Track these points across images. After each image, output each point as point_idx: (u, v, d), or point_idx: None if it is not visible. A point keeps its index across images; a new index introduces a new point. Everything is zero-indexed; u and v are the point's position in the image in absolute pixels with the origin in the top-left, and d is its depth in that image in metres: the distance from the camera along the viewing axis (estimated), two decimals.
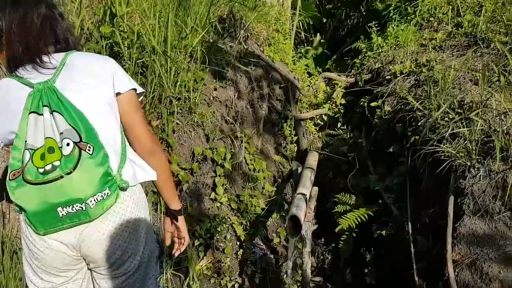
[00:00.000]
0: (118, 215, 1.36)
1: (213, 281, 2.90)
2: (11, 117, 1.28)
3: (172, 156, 2.79)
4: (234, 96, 3.61)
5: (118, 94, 1.40)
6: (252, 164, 3.58)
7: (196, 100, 3.05)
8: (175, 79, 2.99)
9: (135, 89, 1.46)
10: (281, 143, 4.30)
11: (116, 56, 2.81)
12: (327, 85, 4.70)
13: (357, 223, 3.07)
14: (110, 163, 1.32)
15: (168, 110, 2.92)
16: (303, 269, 2.75)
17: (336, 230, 3.10)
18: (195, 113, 3.02)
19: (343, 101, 4.37)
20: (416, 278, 2.39)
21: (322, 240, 3.53)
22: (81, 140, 1.27)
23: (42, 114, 1.26)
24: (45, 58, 1.32)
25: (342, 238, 3.27)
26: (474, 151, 2.35)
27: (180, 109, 3.00)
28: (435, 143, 2.52)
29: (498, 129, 2.31)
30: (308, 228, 2.74)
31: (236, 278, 2.98)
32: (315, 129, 4.57)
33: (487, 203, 2.23)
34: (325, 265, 3.30)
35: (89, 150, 1.27)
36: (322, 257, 3.40)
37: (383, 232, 2.88)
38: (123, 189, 1.36)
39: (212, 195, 3.13)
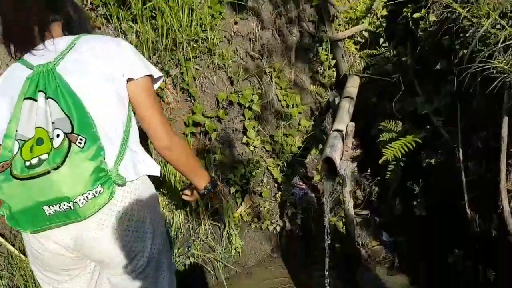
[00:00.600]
0: (116, 214, 1.22)
1: (253, 226, 2.88)
2: (10, 103, 1.19)
3: (196, 106, 2.66)
4: (258, 27, 3.30)
5: (130, 79, 1.26)
6: (285, 100, 3.36)
7: (215, 40, 2.81)
8: (189, 19, 2.74)
9: (151, 76, 1.31)
10: (318, 70, 3.96)
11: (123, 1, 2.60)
12: None
13: (403, 152, 2.81)
14: (106, 157, 1.19)
15: (185, 56, 2.73)
16: (346, 209, 2.61)
17: (380, 161, 2.88)
18: (215, 54, 2.80)
19: (385, 12, 3.85)
20: (468, 210, 2.16)
21: (369, 171, 3.34)
22: (72, 131, 1.14)
23: (36, 100, 1.16)
24: (48, 41, 1.23)
25: (389, 169, 3.04)
26: None
27: (199, 52, 2.80)
28: (485, 58, 2.12)
29: None
30: (346, 167, 2.54)
31: (277, 221, 2.94)
32: (356, 48, 4.13)
33: None
34: (372, 197, 3.13)
35: (79, 143, 1.14)
36: (368, 189, 3.23)
37: (433, 161, 2.61)
38: (120, 185, 1.21)
39: (244, 140, 3.01)
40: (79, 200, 1.13)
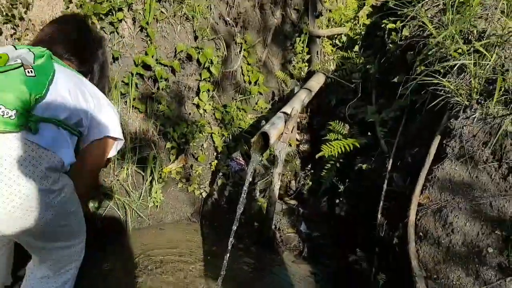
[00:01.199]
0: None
1: (180, 185, 2.84)
2: None
3: (150, 48, 2.58)
4: None
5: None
6: (248, 76, 3.33)
7: None
8: None
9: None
10: (291, 60, 3.97)
11: None
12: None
13: (340, 152, 2.85)
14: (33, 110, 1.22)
15: None
16: (271, 189, 2.62)
17: (316, 156, 2.91)
18: (186, 4, 2.73)
19: (367, 22, 3.90)
20: (379, 215, 2.21)
21: (309, 167, 3.37)
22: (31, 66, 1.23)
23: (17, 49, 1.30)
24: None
25: (325, 167, 3.08)
26: (476, 90, 2.00)
27: None
28: (440, 77, 2.18)
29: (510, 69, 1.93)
30: (282, 149, 2.55)
31: (205, 187, 2.91)
32: (332, 49, 4.16)
33: (475, 149, 1.94)
34: (304, 190, 3.17)
35: (29, 72, 1.21)
36: (303, 182, 3.26)
37: (363, 166, 2.66)
38: (30, 129, 1.19)
39: (195, 101, 2.96)
40: None
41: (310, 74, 3.99)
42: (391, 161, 2.44)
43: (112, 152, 1.52)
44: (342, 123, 3.10)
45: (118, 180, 2.52)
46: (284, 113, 2.65)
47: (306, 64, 4.06)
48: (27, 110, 1.16)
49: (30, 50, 1.29)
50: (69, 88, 1.30)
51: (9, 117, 1.12)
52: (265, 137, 2.41)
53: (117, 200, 2.51)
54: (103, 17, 2.36)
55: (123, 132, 1.55)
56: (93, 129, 1.39)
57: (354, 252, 2.29)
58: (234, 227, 2.20)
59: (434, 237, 1.88)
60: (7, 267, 1.70)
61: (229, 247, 2.17)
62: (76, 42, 1.50)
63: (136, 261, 2.38)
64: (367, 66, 3.30)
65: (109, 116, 1.44)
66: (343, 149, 2.82)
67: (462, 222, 1.83)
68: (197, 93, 2.96)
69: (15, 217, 1.15)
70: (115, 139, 1.48)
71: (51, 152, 1.20)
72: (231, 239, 2.17)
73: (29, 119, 1.16)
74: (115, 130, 1.45)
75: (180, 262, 2.44)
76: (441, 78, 2.16)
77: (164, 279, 2.27)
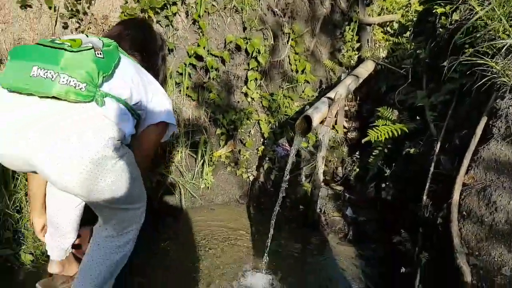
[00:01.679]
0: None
1: (229, 169, 3.00)
2: None
3: (201, 40, 2.76)
4: None
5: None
6: (296, 65, 3.42)
7: None
8: None
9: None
10: (340, 48, 3.99)
11: None
12: None
13: (387, 137, 2.84)
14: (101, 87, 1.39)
15: None
16: (315, 173, 2.69)
17: (363, 141, 2.92)
18: None
19: (420, 8, 3.82)
20: (425, 197, 2.20)
21: (357, 153, 3.38)
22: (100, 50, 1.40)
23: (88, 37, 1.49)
24: None
25: (373, 153, 3.09)
26: None
27: None
28: (488, 58, 2.13)
29: None
30: (325, 133, 2.61)
31: (252, 171, 3.04)
32: (383, 37, 4.12)
33: None
34: (351, 177, 3.19)
35: (99, 54, 1.37)
36: (350, 168, 3.28)
37: (411, 150, 2.64)
38: (98, 102, 1.36)
39: (244, 89, 3.10)
40: (63, 77, 1.30)
41: (360, 62, 3.98)
42: (439, 144, 2.41)
43: (165, 137, 1.69)
44: (391, 109, 3.09)
45: (173, 162, 2.72)
46: (328, 98, 2.71)
47: (356, 52, 4.05)
48: (95, 85, 1.35)
49: (100, 39, 1.49)
50: (131, 74, 1.48)
51: (80, 89, 1.31)
52: (308, 120, 2.49)
53: (172, 180, 2.71)
54: (159, 11, 2.57)
55: (176, 119, 1.72)
56: (150, 114, 1.56)
57: (399, 234, 2.30)
58: (277, 207, 2.31)
59: (477, 216, 1.86)
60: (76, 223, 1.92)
61: (272, 227, 2.28)
62: (141, 41, 1.70)
63: (189, 237, 2.56)
64: (418, 52, 3.24)
65: (164, 103, 1.60)
66: (390, 134, 2.81)
67: (506, 201, 1.80)
68: (245, 82, 3.10)
69: (83, 179, 1.34)
70: (168, 124, 1.65)
71: (114, 123, 1.39)
72: (272, 220, 2.29)
73: (96, 93, 1.35)
74: (169, 116, 1.62)
75: (230, 240, 2.59)
76: (488, 59, 2.11)
77: (215, 254, 2.43)
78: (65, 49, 1.33)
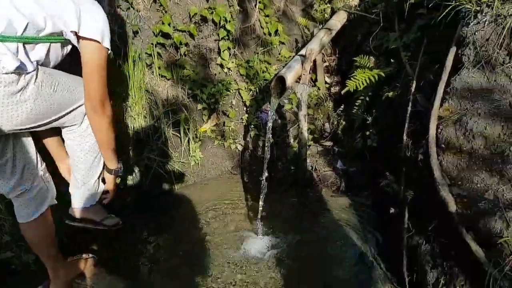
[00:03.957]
0: None
1: (216, 142, 3.01)
2: None
3: (165, 17, 2.71)
4: None
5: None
6: (267, 28, 3.36)
7: None
8: None
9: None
10: (312, 3, 3.91)
11: None
12: None
13: (366, 84, 2.83)
14: None
15: None
16: (300, 132, 2.70)
17: (342, 92, 2.92)
18: None
19: None
20: (404, 137, 2.22)
21: (342, 107, 3.38)
22: None
23: None
24: None
25: (356, 103, 3.09)
26: None
27: None
28: None
29: None
30: (303, 91, 2.61)
31: (239, 141, 3.05)
32: None
33: (490, 53, 1.87)
34: (338, 131, 3.20)
35: None
36: (336, 122, 3.29)
37: (390, 94, 2.64)
38: None
39: (218, 60, 3.07)
40: None
41: (334, 14, 3.92)
42: (414, 83, 2.40)
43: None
44: (367, 57, 3.06)
45: (158, 144, 2.73)
46: (301, 55, 2.69)
47: (328, 5, 3.97)
48: None
49: None
50: None
51: None
52: (283, 81, 2.48)
53: (160, 162, 2.74)
54: None
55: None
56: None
57: (386, 178, 2.33)
58: (265, 172, 2.35)
59: (456, 146, 1.87)
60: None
61: (263, 184, 2.33)
62: None
63: (186, 215, 2.61)
64: None
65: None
66: (368, 81, 2.80)
67: (482, 127, 1.81)
68: (219, 53, 3.06)
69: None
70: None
71: None
72: (263, 178, 2.32)
73: None
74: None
75: (227, 211, 2.64)
76: None
77: (213, 226, 2.49)
78: None
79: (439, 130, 1.96)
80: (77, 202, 1.97)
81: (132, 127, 2.61)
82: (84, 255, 2.11)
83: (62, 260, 1.97)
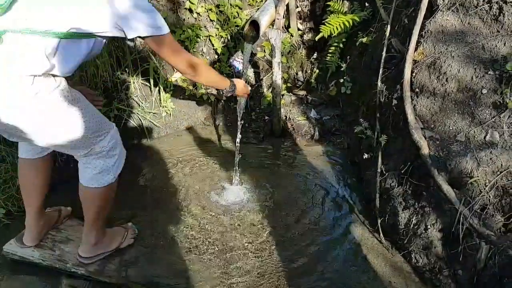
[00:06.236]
0: None
1: (188, 92, 2.92)
2: None
3: None
4: None
5: None
6: None
7: None
8: None
9: None
10: None
11: None
12: None
13: (340, 30, 2.79)
14: None
15: None
16: (274, 81, 2.65)
17: (316, 38, 2.86)
18: None
19: None
20: (379, 83, 2.21)
21: (315, 54, 3.33)
22: None
23: None
24: None
25: (330, 50, 3.05)
26: None
27: None
28: None
29: None
30: (276, 36, 2.52)
31: (212, 90, 2.98)
32: None
33: None
34: (312, 79, 3.17)
35: None
36: (310, 71, 3.25)
37: (364, 39, 2.61)
38: None
39: (187, 5, 2.91)
40: None
41: None
42: (389, 27, 2.36)
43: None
44: (341, 1, 2.99)
45: (127, 94, 2.63)
46: None
47: None
48: None
49: None
50: None
51: None
52: (256, 26, 2.39)
53: (131, 113, 2.65)
54: None
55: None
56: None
57: (360, 124, 2.35)
58: (239, 118, 2.31)
59: (430, 90, 1.89)
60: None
61: (238, 135, 2.31)
62: None
63: (160, 167, 2.56)
64: None
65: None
66: (342, 26, 2.75)
67: (456, 70, 1.82)
68: None
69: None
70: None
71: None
72: (238, 128, 2.30)
73: None
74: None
75: (201, 161, 2.61)
76: None
77: (188, 176, 2.46)
78: None
79: (414, 74, 1.97)
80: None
81: (99, 75, 2.48)
82: (61, 208, 2.06)
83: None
